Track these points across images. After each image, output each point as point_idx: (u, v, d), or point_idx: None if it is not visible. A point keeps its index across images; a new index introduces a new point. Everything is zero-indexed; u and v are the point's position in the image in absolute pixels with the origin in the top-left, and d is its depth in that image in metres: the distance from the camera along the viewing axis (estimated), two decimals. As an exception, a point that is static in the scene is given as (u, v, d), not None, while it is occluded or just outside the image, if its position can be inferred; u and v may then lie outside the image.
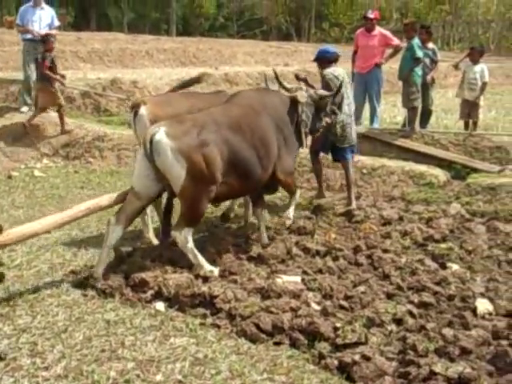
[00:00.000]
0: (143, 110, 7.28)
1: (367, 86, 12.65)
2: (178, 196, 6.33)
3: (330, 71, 8.51)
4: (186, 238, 6.28)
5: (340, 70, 8.52)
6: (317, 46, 38.89)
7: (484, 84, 12.24)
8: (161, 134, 6.07)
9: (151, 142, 6.07)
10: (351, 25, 50.56)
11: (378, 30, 12.81)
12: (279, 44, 36.74)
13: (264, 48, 32.09)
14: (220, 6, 57.63)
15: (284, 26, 54.22)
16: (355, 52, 12.92)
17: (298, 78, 8.74)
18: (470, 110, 12.32)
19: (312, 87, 7.98)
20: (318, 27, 52.78)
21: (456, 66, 13.35)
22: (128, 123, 7.51)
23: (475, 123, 12.32)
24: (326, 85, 8.32)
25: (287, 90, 7.50)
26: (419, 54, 11.61)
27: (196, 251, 6.32)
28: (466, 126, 12.43)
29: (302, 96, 7.39)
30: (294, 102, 7.33)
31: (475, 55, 12.51)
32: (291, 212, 7.57)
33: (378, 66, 12.57)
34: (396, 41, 12.85)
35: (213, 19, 57.32)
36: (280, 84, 7.52)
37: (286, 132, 7.18)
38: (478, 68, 12.31)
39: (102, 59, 24.76)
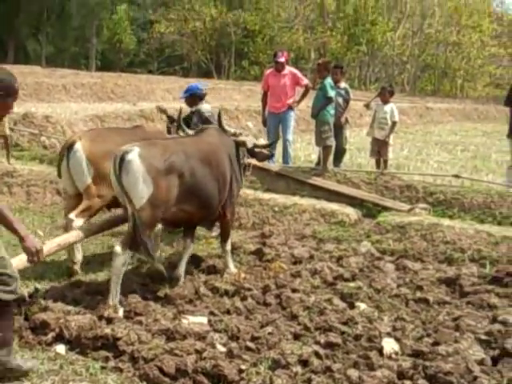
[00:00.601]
0: (78, 146, 7.34)
1: (281, 123, 12.79)
2: (134, 212, 6.27)
3: (207, 108, 9.56)
4: (125, 261, 6.28)
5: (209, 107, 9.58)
6: (236, 83, 39.31)
7: (394, 123, 12.51)
8: (134, 154, 6.19)
9: (122, 159, 6.16)
10: (271, 63, 51.18)
11: (288, 69, 13.00)
12: (198, 81, 36.85)
13: (183, 84, 31.98)
14: (140, 42, 57.65)
15: (204, 63, 54.51)
16: (265, 93, 13.05)
17: (160, 109, 9.63)
18: (379, 148, 12.56)
19: (173, 120, 8.97)
20: (237, 65, 53.29)
21: (367, 106, 13.66)
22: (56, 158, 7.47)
23: (385, 161, 12.54)
24: (205, 120, 9.09)
25: (232, 134, 7.74)
26: (331, 93, 11.77)
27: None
28: (378, 164, 12.64)
29: (250, 142, 7.78)
30: (239, 146, 7.65)
31: (385, 95, 12.78)
32: (230, 262, 7.66)
33: (290, 107, 12.75)
34: (305, 80, 13.09)
35: (133, 55, 57.33)
36: (222, 127, 7.69)
37: (236, 172, 7.46)
38: (387, 107, 12.56)
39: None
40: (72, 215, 7.35)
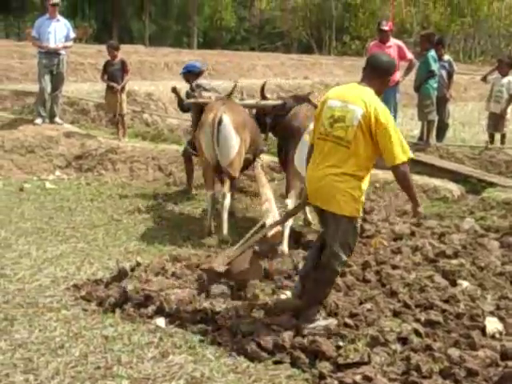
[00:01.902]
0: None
1: (384, 100, 12.37)
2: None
3: (206, 82, 10.43)
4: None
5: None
6: (338, 58, 38.92)
7: (511, 96, 12.06)
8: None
9: (220, 122, 8.01)
10: (372, 37, 50.37)
11: (393, 41, 12.44)
12: (299, 57, 36.62)
13: (284, 60, 31.98)
14: (241, 19, 57.77)
15: (305, 39, 54.16)
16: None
17: (173, 90, 10.04)
18: (496, 122, 12.15)
19: (181, 100, 9.91)
20: (338, 40, 52.64)
21: (484, 79, 13.15)
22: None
23: (503, 136, 12.15)
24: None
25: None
26: (433, 66, 11.48)
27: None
28: (492, 138, 12.24)
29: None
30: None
31: (503, 67, 12.34)
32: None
33: (397, 83, 12.15)
34: (410, 55, 12.45)
35: (234, 32, 57.49)
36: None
37: None
38: (505, 80, 12.15)
39: (121, 71, 24.74)
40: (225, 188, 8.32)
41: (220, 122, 8.10)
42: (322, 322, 5.42)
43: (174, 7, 54.63)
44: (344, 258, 5.35)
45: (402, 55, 12.22)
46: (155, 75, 24.80)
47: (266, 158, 10.59)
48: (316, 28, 53.74)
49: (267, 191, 8.24)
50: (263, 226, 6.80)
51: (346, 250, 5.32)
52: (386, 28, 12.17)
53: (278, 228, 6.91)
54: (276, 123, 8.93)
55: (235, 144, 8.23)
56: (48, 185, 10.94)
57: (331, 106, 5.27)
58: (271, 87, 18.84)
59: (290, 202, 7.80)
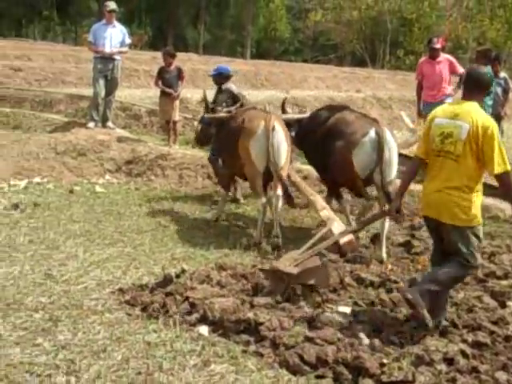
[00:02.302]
0: (279, 126, 8.46)
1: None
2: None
3: (234, 87, 10.70)
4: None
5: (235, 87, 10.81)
6: (391, 72, 38.71)
7: None
8: (278, 127, 8.39)
9: (273, 129, 8.29)
10: (426, 52, 49.94)
11: (444, 55, 12.45)
12: (352, 70, 36.53)
13: (336, 73, 31.90)
14: (295, 30, 57.93)
15: (358, 52, 54.01)
16: (419, 83, 12.52)
17: (203, 96, 10.24)
18: None
19: (207, 106, 10.05)
20: (392, 54, 52.40)
21: None
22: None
23: None
24: (234, 97, 10.38)
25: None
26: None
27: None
28: None
29: None
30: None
31: None
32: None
33: (448, 95, 12.20)
34: (461, 69, 12.34)
35: (287, 43, 57.65)
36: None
37: None
38: None
39: (175, 78, 24.95)
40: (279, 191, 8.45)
41: (273, 128, 8.31)
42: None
43: (228, 17, 55.07)
44: (474, 263, 5.66)
45: (452, 69, 12.16)
46: (208, 84, 24.92)
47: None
48: (370, 41, 53.57)
49: (319, 199, 8.41)
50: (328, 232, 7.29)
51: (471, 257, 5.61)
52: (437, 46, 12.16)
53: (351, 236, 7.56)
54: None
55: (287, 149, 8.49)
56: (98, 188, 11.04)
57: (439, 123, 5.64)
58: (323, 99, 18.84)
59: None
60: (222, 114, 9.85)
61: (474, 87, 5.70)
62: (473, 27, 47.78)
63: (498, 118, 12.00)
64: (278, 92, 21.49)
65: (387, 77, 34.16)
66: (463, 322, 5.79)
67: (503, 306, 6.23)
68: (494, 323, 5.75)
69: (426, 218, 5.95)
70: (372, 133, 8.02)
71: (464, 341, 5.40)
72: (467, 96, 5.68)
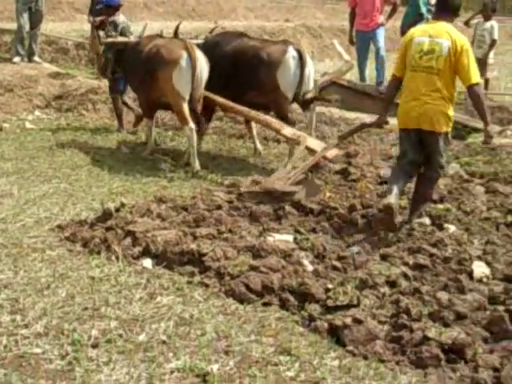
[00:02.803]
0: (200, 55, 8.60)
1: (373, 41, 12.25)
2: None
3: (122, 19, 10.31)
4: None
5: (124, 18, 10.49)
6: (319, 1, 38.39)
7: (493, 41, 12.02)
8: (200, 55, 8.60)
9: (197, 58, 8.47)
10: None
11: None
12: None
13: (264, 3, 31.48)
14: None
15: (286, -19, 53.34)
16: (352, 10, 12.38)
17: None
18: (479, 67, 12.04)
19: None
20: (320, -17, 51.95)
21: (467, 23, 13.03)
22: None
23: (487, 81, 12.06)
24: (120, 31, 9.98)
25: None
26: (423, 9, 11.33)
27: None
28: None
29: None
30: None
31: (487, 11, 12.24)
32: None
33: (381, 24, 12.14)
34: None
35: (214, -27, 56.45)
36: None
37: None
38: (487, 25, 12.07)
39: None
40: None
41: (197, 57, 8.49)
42: (426, 219, 6.34)
43: None
44: (445, 164, 6.50)
45: None
46: (135, 15, 24.36)
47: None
48: (297, -30, 52.85)
49: (272, 119, 8.87)
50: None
51: (444, 158, 6.39)
52: None
53: (336, 151, 8.18)
54: None
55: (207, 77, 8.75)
56: (28, 125, 10.76)
57: (419, 41, 6.16)
58: (254, 30, 18.62)
59: None
60: (122, 39, 9.75)
61: (446, 10, 6.30)
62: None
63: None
64: (205, 23, 21.18)
65: (315, 6, 33.89)
66: (404, 245, 5.90)
67: (441, 228, 6.35)
68: (433, 245, 5.85)
69: (405, 130, 6.37)
70: (292, 51, 8.66)
71: (405, 263, 5.49)
72: (440, 17, 6.28)
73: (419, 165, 6.45)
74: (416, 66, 6.16)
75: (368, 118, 9.92)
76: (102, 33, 10.08)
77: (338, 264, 5.50)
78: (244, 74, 8.86)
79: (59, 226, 6.32)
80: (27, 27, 12.79)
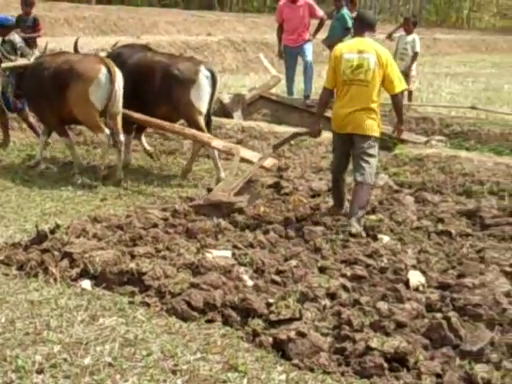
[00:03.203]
0: (117, 71, 8.61)
1: (301, 56, 12.48)
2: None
3: (18, 39, 10.20)
4: None
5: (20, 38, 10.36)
6: (239, 15, 38.70)
7: (415, 54, 12.40)
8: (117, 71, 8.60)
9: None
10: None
11: None
12: (201, 13, 36.25)
13: (186, 17, 31.63)
14: (140, -28, 56.50)
15: (206, -5, 53.51)
16: (280, 26, 12.56)
17: None
18: None
19: None
20: (240, -4, 52.28)
21: (389, 37, 13.35)
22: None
23: (410, 93, 12.36)
24: (17, 49, 9.97)
25: None
26: (349, 23, 11.58)
27: None
28: None
29: None
30: None
31: (409, 25, 12.60)
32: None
33: (308, 40, 12.40)
34: (321, 13, 12.62)
35: (133, -13, 56.18)
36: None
37: None
38: (409, 38, 12.43)
39: (18, 27, 23.96)
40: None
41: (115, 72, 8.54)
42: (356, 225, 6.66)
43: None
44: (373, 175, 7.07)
45: (312, 13, 12.29)
46: (56, 31, 24.10)
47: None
48: (217, -16, 53.10)
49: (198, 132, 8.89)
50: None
51: (375, 160, 7.03)
52: None
53: (273, 160, 8.51)
54: None
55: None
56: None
57: (348, 58, 6.80)
58: (178, 44, 18.69)
59: None
60: (22, 61, 9.56)
61: (366, 27, 6.99)
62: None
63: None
64: (128, 37, 21.08)
65: (237, 19, 34.18)
66: (340, 257, 6.00)
67: (375, 239, 6.50)
68: (369, 256, 5.99)
69: (339, 135, 7.05)
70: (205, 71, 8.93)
71: (343, 275, 5.59)
72: (362, 34, 6.97)
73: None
74: (348, 80, 6.81)
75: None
76: None
77: (277, 278, 5.54)
78: (155, 89, 8.96)
79: (-8, 250, 6.19)
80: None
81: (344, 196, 7.30)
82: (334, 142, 7.21)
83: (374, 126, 6.85)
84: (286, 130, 10.40)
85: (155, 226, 6.62)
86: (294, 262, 5.84)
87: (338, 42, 11.37)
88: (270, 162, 8.27)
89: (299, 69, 12.75)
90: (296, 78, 12.89)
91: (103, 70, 8.47)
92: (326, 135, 10.19)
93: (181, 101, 8.85)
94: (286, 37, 12.49)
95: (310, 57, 12.32)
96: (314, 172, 8.81)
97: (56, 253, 5.89)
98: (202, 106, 8.88)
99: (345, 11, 11.74)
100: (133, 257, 5.86)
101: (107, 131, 8.59)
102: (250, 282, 5.45)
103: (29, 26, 12.44)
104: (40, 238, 6.29)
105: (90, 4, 40.40)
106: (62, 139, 9.44)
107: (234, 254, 5.97)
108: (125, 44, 10.53)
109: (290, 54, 12.54)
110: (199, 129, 8.79)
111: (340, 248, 6.23)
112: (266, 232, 6.61)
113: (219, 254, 5.92)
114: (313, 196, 7.86)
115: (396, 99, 7.00)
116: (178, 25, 28.78)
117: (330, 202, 7.48)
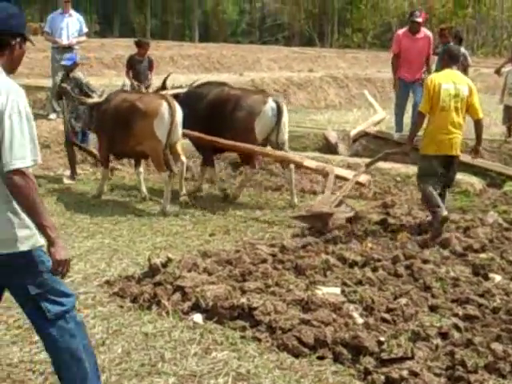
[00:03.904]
0: (177, 106, 9.40)
1: (413, 94, 12.07)
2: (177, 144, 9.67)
3: (81, 75, 11.10)
4: None
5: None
6: (340, 51, 38.84)
7: None
8: (177, 106, 9.39)
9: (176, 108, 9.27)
10: (374, 30, 50.33)
11: (423, 31, 12.01)
12: (302, 50, 36.59)
13: (287, 54, 31.95)
14: (242, 12, 57.73)
15: (306, 32, 54.10)
16: (396, 56, 12.11)
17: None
18: (511, 115, 12.08)
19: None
20: (340, 32, 52.62)
21: (498, 72, 13.09)
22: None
23: (510, 128, 12.09)
24: (82, 86, 10.84)
25: None
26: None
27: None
28: (509, 131, 12.12)
29: None
30: None
31: None
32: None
33: (424, 75, 11.83)
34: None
35: (235, 25, 57.42)
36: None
37: None
38: None
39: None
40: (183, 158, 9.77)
41: (176, 107, 9.28)
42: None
43: (175, 1, 54.55)
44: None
45: (430, 47, 11.92)
46: (161, 69, 24.76)
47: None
48: (318, 20, 53.68)
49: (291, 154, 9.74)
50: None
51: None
52: (419, 20, 11.88)
53: (367, 177, 9.20)
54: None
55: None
56: (65, 180, 10.94)
57: (446, 88, 7.73)
58: (281, 81, 18.91)
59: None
60: (96, 99, 10.32)
61: (454, 61, 8.05)
62: (420, 3, 47.90)
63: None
64: (230, 75, 21.47)
65: (337, 55, 34.29)
66: (451, 296, 5.92)
67: (486, 278, 6.38)
68: (481, 296, 5.89)
69: (436, 157, 7.87)
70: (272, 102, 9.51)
71: (455, 315, 5.52)
72: (450, 66, 7.97)
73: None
74: (448, 107, 7.72)
75: (403, 168, 10.05)
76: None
77: (387, 316, 5.51)
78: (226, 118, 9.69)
79: (107, 282, 6.39)
80: (62, 85, 13.06)
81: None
82: (428, 163, 7.93)
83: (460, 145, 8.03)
84: (391, 166, 10.35)
85: (264, 261, 6.69)
86: (403, 300, 5.80)
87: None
88: (364, 179, 9.03)
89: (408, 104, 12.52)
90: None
91: (165, 105, 9.17)
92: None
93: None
94: (401, 69, 12.07)
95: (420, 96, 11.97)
96: (421, 209, 8.70)
97: (168, 286, 6.04)
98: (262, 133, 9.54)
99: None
100: (243, 292, 5.93)
101: (168, 171, 9.27)
102: (360, 320, 5.44)
103: (145, 66, 12.91)
104: (152, 271, 6.47)
105: (193, 42, 41.50)
106: (103, 168, 10.25)
107: (343, 291, 5.99)
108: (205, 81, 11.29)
109: (403, 88, 12.14)
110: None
111: (450, 287, 6.15)
112: (374, 269, 6.58)
113: (329, 291, 5.94)
114: (420, 233, 7.78)
115: (479, 123, 8.07)
116: (280, 61, 29.10)
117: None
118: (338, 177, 9.02)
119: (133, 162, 10.97)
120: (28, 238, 3.74)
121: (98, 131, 10.24)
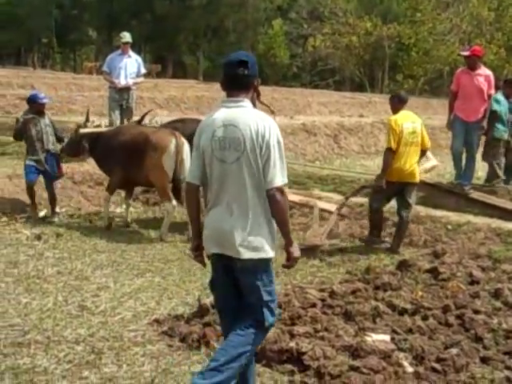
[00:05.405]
0: (185, 142, 10.09)
1: (468, 133, 11.38)
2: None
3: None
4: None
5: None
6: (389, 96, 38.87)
7: None
8: (185, 142, 10.15)
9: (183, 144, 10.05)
10: (425, 76, 50.32)
11: (484, 69, 11.48)
12: (353, 95, 36.79)
13: (338, 98, 32.16)
14: (293, 56, 58.27)
15: (357, 77, 54.32)
16: (454, 94, 11.54)
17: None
18: None
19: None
20: (391, 78, 52.73)
21: None
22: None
23: None
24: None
25: None
26: (495, 107, 11.37)
27: None
28: None
29: None
30: None
31: None
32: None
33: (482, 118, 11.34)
34: (492, 90, 11.49)
35: (286, 69, 57.93)
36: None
37: None
38: None
39: (179, 106, 25.17)
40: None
41: (183, 143, 9.98)
42: None
43: (228, 44, 55.33)
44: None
45: (489, 88, 11.39)
46: (212, 110, 25.07)
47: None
48: (369, 66, 53.92)
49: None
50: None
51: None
52: (465, 53, 11.68)
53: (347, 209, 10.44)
54: None
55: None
56: (117, 218, 11.08)
57: (407, 126, 9.09)
58: (332, 125, 18.99)
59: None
60: (98, 129, 11.18)
61: (403, 103, 9.52)
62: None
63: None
64: (281, 118, 21.59)
65: (387, 101, 34.28)
66: (503, 348, 5.82)
67: (539, 331, 6.26)
68: (534, 349, 5.78)
69: (392, 183, 9.11)
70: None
71: (507, 367, 5.43)
72: (402, 108, 9.40)
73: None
74: (409, 143, 9.11)
75: (454, 216, 9.97)
76: None
77: (438, 366, 5.44)
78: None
79: (157, 321, 6.44)
80: (118, 123, 13.31)
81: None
82: (388, 189, 9.12)
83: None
84: (442, 214, 10.30)
85: (313, 305, 6.66)
86: (454, 351, 5.72)
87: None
88: (346, 211, 10.36)
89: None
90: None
91: (173, 141, 9.90)
92: (485, 221, 10.09)
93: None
94: (458, 106, 11.43)
95: (475, 139, 11.49)
96: (472, 258, 8.61)
97: (217, 327, 6.03)
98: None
99: (495, 95, 11.55)
100: (292, 336, 5.91)
101: (174, 202, 10.03)
102: (410, 369, 5.38)
103: None
104: (202, 311, 6.49)
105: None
106: (107, 193, 10.80)
107: (393, 339, 5.93)
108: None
109: (458, 126, 11.42)
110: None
111: (503, 338, 6.05)
112: (424, 318, 6.51)
113: (378, 338, 5.89)
114: (471, 283, 7.69)
115: (426, 153, 9.66)
116: (330, 106, 29.27)
117: (489, 288, 7.32)
118: (322, 210, 9.96)
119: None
120: (273, 248, 4.45)
121: (109, 161, 10.70)
